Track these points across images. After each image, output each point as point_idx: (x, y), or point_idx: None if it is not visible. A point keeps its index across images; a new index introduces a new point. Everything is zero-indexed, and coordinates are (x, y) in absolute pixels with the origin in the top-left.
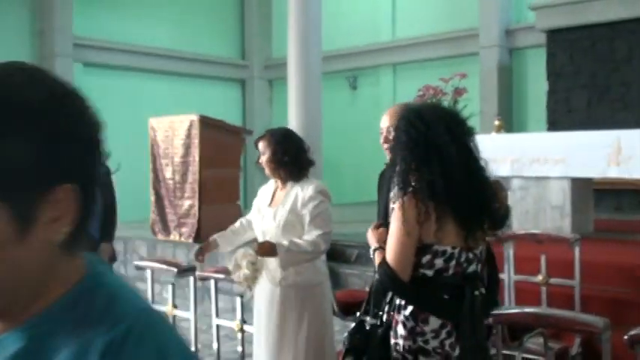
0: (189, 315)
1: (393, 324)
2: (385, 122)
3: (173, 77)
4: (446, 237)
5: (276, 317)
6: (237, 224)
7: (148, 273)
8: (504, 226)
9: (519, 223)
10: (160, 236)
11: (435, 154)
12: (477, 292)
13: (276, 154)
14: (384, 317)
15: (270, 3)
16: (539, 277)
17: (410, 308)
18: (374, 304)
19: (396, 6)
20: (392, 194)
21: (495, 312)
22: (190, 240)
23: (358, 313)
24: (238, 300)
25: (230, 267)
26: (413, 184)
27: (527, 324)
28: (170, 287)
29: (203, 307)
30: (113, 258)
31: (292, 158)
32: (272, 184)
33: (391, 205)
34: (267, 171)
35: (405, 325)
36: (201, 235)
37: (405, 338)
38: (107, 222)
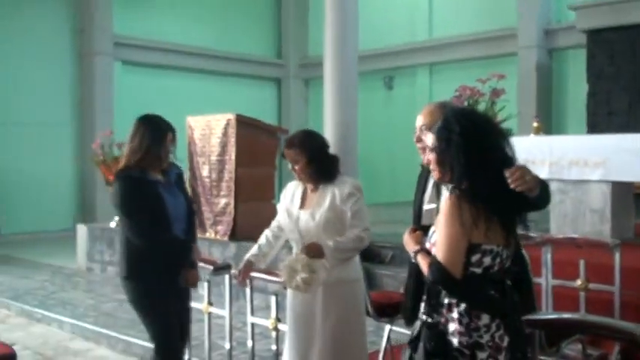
0: (225, 313)
1: (442, 322)
2: (420, 121)
3: (210, 76)
4: (493, 236)
5: (319, 315)
6: (263, 239)
7: None
8: (549, 201)
9: (558, 226)
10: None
11: (489, 157)
12: (509, 283)
13: (312, 162)
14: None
15: (306, 2)
16: (578, 282)
17: (463, 305)
18: (437, 303)
19: (433, 5)
20: (426, 196)
21: (533, 317)
22: (226, 238)
23: (425, 317)
24: (273, 298)
25: (284, 275)
26: (466, 185)
27: (565, 330)
28: (206, 285)
29: (238, 304)
30: None
31: (325, 162)
32: (297, 185)
33: (425, 207)
34: (300, 177)
35: (460, 322)
36: (236, 233)
37: (461, 334)
38: (192, 222)
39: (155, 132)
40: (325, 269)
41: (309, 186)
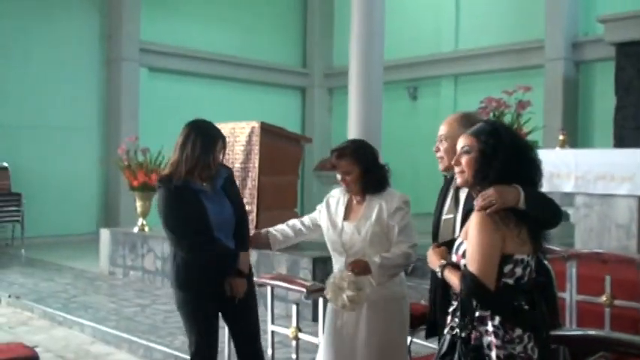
0: None
1: (474, 336)
2: (441, 130)
3: (235, 83)
4: (524, 247)
5: (363, 332)
6: (290, 224)
7: None
8: (549, 217)
9: (582, 241)
10: None
11: (526, 169)
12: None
13: (366, 173)
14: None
15: (332, 12)
16: (603, 298)
17: (498, 318)
18: (469, 317)
19: (460, 16)
20: (446, 206)
21: (558, 333)
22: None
23: (457, 331)
24: (294, 307)
25: (329, 294)
26: None
27: (589, 346)
28: None
29: (259, 312)
30: (250, 270)
31: (378, 173)
32: (342, 194)
33: (443, 216)
34: (350, 188)
35: (496, 335)
36: None
37: (498, 348)
38: (241, 230)
39: (205, 139)
40: (371, 286)
41: (356, 197)
